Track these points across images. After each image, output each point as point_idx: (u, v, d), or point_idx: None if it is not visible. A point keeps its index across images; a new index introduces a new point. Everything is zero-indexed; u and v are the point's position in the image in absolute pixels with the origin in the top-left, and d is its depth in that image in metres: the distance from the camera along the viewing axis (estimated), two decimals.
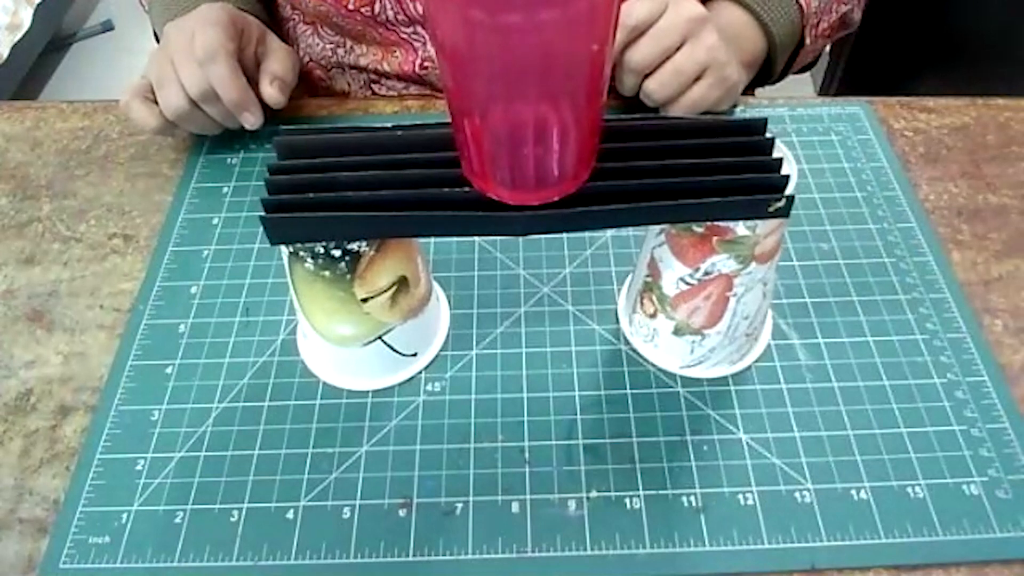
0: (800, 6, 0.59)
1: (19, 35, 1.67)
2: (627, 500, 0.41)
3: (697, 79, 0.54)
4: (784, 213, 0.37)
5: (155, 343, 0.48)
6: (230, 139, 0.59)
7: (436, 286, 0.49)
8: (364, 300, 0.41)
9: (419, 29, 0.62)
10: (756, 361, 0.46)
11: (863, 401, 0.44)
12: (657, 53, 0.52)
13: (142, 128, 0.55)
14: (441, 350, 0.47)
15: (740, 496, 0.41)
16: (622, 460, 0.42)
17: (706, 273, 0.40)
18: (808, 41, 0.61)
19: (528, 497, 0.41)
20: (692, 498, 0.41)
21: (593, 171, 0.36)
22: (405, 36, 0.62)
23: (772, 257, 0.40)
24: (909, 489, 0.41)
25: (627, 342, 0.47)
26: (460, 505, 0.41)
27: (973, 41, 1.06)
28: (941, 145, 0.59)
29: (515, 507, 0.41)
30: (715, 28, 0.54)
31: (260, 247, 0.53)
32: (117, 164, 0.59)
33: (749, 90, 0.63)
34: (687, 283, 0.41)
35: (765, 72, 0.62)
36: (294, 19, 0.68)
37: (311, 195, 0.37)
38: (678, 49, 0.53)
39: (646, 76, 0.54)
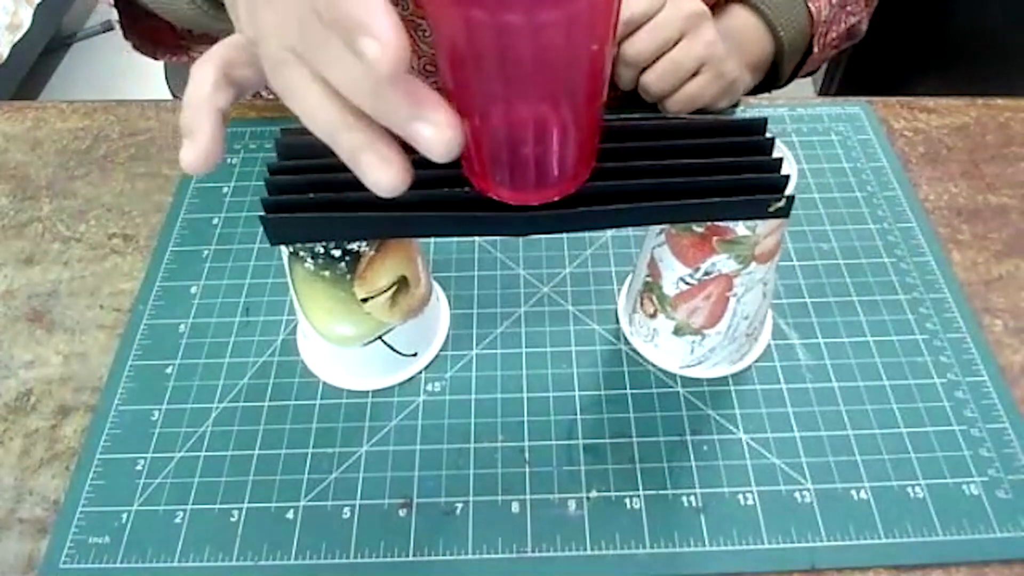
0: (810, 14, 0.60)
1: (19, 35, 1.67)
2: (627, 500, 0.41)
3: (695, 74, 0.54)
4: (784, 213, 0.37)
5: (155, 343, 0.48)
6: (230, 139, 0.59)
7: (436, 286, 0.49)
8: (364, 300, 0.41)
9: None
10: (756, 361, 0.46)
11: (863, 401, 0.44)
12: (654, 47, 0.53)
13: None
14: (441, 350, 0.47)
15: (740, 496, 0.41)
16: (622, 460, 0.42)
17: (706, 273, 0.40)
18: (816, 50, 0.62)
19: (528, 497, 0.41)
20: (692, 498, 0.41)
21: (593, 171, 0.36)
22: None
23: (772, 257, 0.40)
24: (909, 489, 0.41)
25: (627, 342, 0.47)
26: (460, 505, 0.41)
27: (973, 41, 1.06)
28: (941, 145, 0.59)
29: (515, 507, 0.41)
30: (714, 24, 0.54)
31: (260, 247, 0.53)
32: (117, 164, 0.59)
33: (753, 94, 0.64)
34: (687, 283, 0.41)
35: (771, 77, 0.63)
36: None
37: (311, 195, 0.37)
38: (676, 44, 0.53)
39: (643, 70, 0.54)
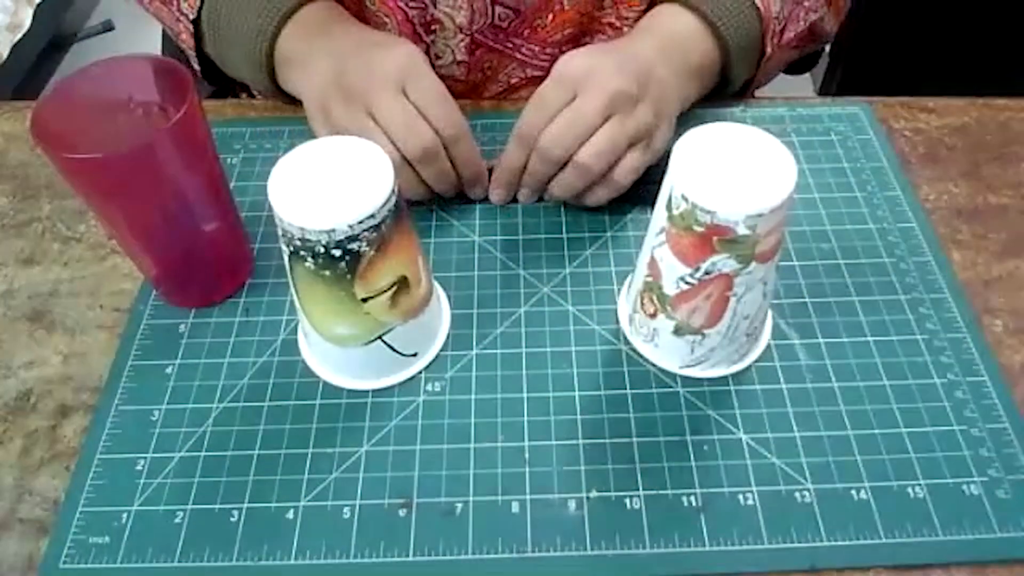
0: (758, 10, 0.55)
1: (19, 35, 1.67)
2: (627, 500, 0.41)
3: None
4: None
5: (155, 343, 0.48)
6: (230, 139, 0.59)
7: (437, 286, 0.49)
8: (364, 300, 0.41)
9: None
10: (756, 361, 0.46)
11: (863, 401, 0.44)
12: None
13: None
14: (441, 350, 0.47)
15: (740, 496, 0.41)
16: (622, 460, 0.42)
17: (706, 273, 0.40)
18: (770, 49, 0.57)
19: (528, 497, 0.41)
20: (692, 498, 0.41)
21: None
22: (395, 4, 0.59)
23: (772, 257, 0.40)
24: (909, 489, 0.41)
25: (627, 342, 0.47)
26: (460, 505, 0.41)
27: (973, 41, 1.06)
28: (941, 145, 0.59)
29: (515, 507, 0.41)
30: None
31: (260, 247, 0.53)
32: None
33: (709, 99, 0.58)
34: (687, 283, 0.41)
35: (723, 83, 0.58)
36: None
37: None
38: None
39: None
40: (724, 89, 0.59)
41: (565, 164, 0.49)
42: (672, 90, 0.52)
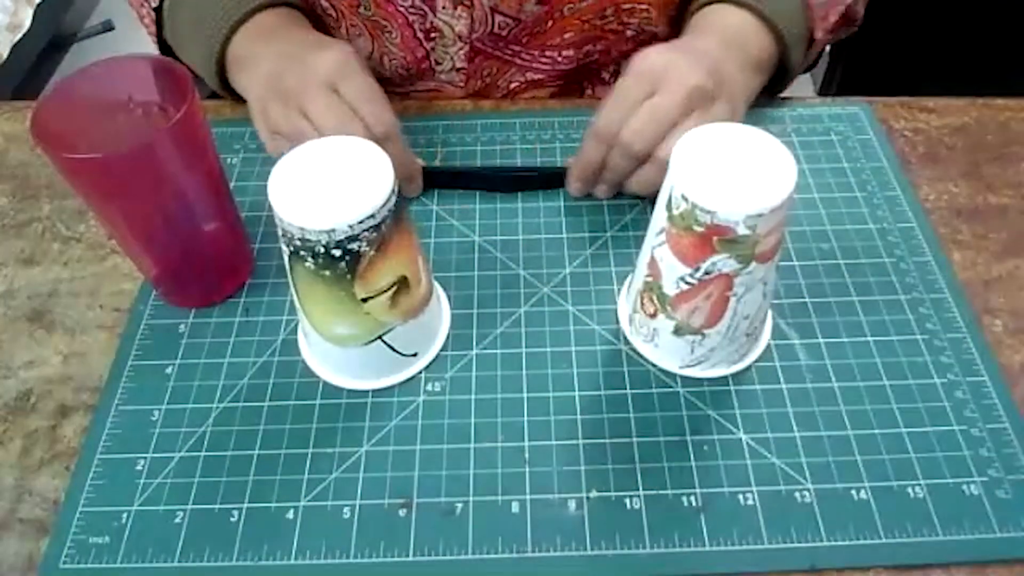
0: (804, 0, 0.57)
1: (19, 35, 1.67)
2: (627, 500, 0.41)
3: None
4: None
5: (155, 343, 0.48)
6: (230, 139, 0.59)
7: (437, 286, 0.49)
8: (364, 300, 0.41)
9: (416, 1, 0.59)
10: (756, 361, 0.46)
11: (863, 401, 0.44)
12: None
13: None
14: (441, 350, 0.47)
15: (740, 496, 0.41)
16: (622, 460, 0.42)
17: (706, 273, 0.40)
18: (820, 35, 0.58)
19: (528, 497, 0.41)
20: (692, 498, 0.41)
21: None
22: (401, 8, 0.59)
23: (772, 257, 0.40)
24: (909, 489, 0.41)
25: (627, 342, 0.47)
26: (460, 505, 0.41)
27: (973, 41, 1.06)
28: (941, 145, 0.59)
29: (515, 507, 0.41)
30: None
31: (260, 247, 0.53)
32: None
33: (766, 94, 0.59)
34: (687, 283, 0.41)
35: (778, 74, 0.59)
36: None
37: None
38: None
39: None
40: (783, 79, 0.59)
41: (643, 159, 0.49)
42: (740, 86, 0.53)
